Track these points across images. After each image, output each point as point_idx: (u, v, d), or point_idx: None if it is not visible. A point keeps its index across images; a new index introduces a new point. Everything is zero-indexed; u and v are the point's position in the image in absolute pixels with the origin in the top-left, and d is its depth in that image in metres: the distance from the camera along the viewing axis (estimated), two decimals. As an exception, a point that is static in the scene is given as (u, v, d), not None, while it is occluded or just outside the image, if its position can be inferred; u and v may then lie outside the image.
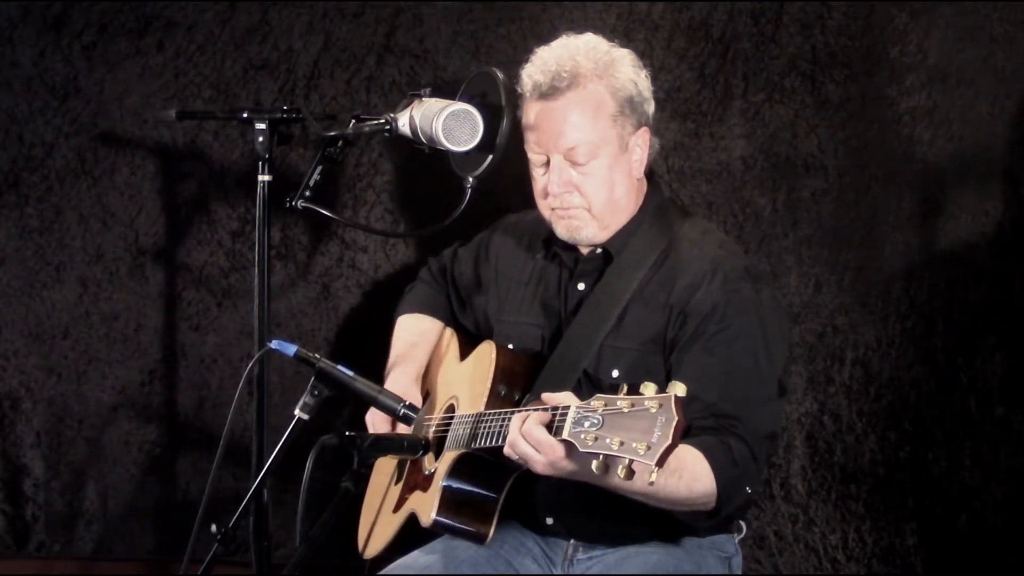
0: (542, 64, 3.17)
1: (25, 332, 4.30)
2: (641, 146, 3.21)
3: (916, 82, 3.91)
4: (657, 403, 2.60)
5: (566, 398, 2.83)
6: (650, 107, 3.23)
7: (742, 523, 3.29)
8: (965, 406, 3.88)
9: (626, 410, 2.64)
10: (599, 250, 3.25)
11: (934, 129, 3.90)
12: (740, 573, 3.28)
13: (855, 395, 3.96)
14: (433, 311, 3.57)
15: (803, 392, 3.98)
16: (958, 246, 3.89)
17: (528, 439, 2.83)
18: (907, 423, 3.93)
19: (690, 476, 2.92)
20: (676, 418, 2.58)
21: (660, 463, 2.57)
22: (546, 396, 2.87)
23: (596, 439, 2.65)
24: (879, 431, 3.95)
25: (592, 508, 3.14)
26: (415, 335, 3.53)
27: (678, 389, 2.61)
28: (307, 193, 3.28)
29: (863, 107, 3.95)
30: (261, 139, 3.40)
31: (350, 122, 3.33)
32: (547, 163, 3.18)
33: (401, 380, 3.40)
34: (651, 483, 2.60)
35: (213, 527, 2.99)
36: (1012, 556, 3.83)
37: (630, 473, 2.59)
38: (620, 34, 3.95)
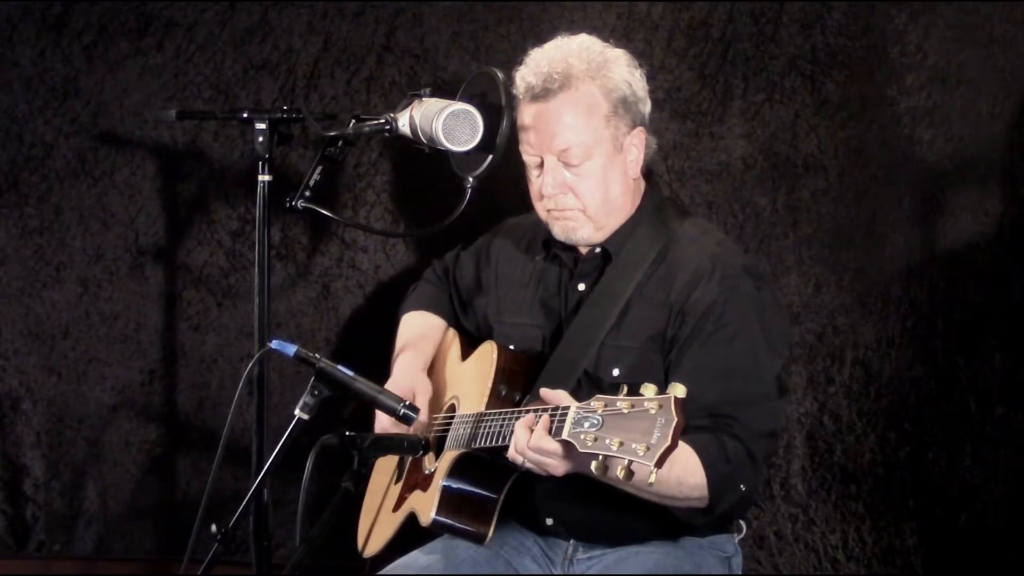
0: (535, 66, 3.18)
1: (25, 332, 4.30)
2: (636, 146, 3.21)
3: (916, 82, 3.91)
4: (657, 404, 2.61)
5: (563, 397, 2.84)
6: (646, 107, 3.22)
7: (742, 523, 3.29)
8: (965, 406, 3.88)
9: (626, 411, 2.64)
10: (598, 250, 3.25)
11: (934, 129, 3.90)
12: (740, 573, 3.28)
13: (855, 395, 3.96)
14: (438, 310, 3.57)
15: (803, 392, 3.98)
16: (958, 246, 3.89)
17: (541, 453, 2.84)
18: (907, 423, 3.93)
19: (680, 469, 2.92)
20: (676, 419, 2.58)
21: (659, 464, 2.57)
22: (544, 392, 2.88)
23: (596, 439, 2.65)
24: (879, 431, 3.95)
25: (592, 508, 3.14)
26: (423, 328, 3.53)
27: (678, 391, 2.61)
28: (307, 193, 3.28)
29: (863, 107, 3.95)
30: (261, 139, 3.40)
31: (350, 122, 3.33)
32: (541, 165, 3.18)
33: (409, 368, 3.39)
34: (651, 484, 2.60)
35: (213, 527, 2.99)
36: (1012, 556, 3.83)
37: (629, 474, 2.60)
38: (620, 34, 3.95)
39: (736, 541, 3.28)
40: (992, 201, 3.86)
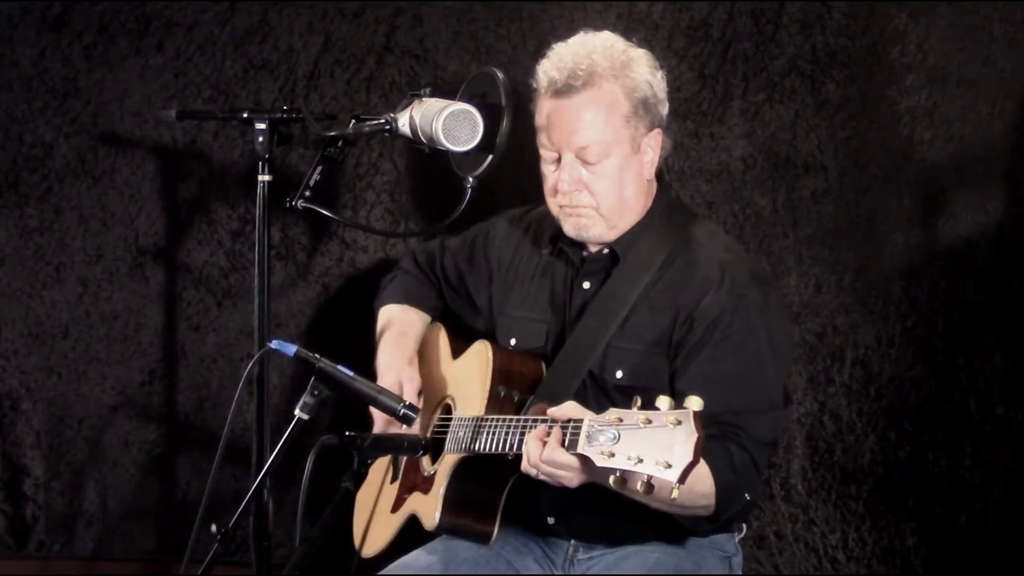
0: (558, 61, 3.16)
1: (25, 332, 4.30)
2: (653, 147, 3.20)
3: (916, 82, 3.91)
4: (675, 419, 2.58)
5: (572, 409, 2.83)
6: (664, 108, 3.21)
7: (743, 524, 3.29)
8: (965, 406, 3.88)
9: (642, 425, 2.61)
10: (606, 250, 3.24)
11: (934, 129, 3.90)
12: (740, 573, 3.28)
13: (855, 395, 3.96)
14: (419, 303, 3.54)
15: (803, 392, 3.98)
16: (958, 246, 3.88)
17: (555, 467, 2.83)
18: (907, 423, 3.93)
19: (692, 477, 2.91)
20: (697, 435, 2.56)
21: (682, 480, 2.56)
22: (552, 411, 2.86)
23: (613, 455, 2.62)
24: (879, 431, 3.95)
25: (593, 509, 3.13)
26: (402, 324, 3.49)
27: (694, 404, 2.58)
28: (307, 193, 3.28)
29: (863, 107, 3.95)
30: (261, 139, 3.40)
31: (350, 122, 3.33)
32: (558, 160, 3.17)
33: (393, 364, 3.36)
34: (674, 499, 2.59)
35: (213, 527, 2.98)
36: (1012, 556, 3.83)
37: (649, 488, 2.58)
38: (620, 34, 3.94)
39: (736, 541, 3.28)
40: (992, 201, 3.86)
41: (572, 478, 2.85)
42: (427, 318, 3.53)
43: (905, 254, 3.93)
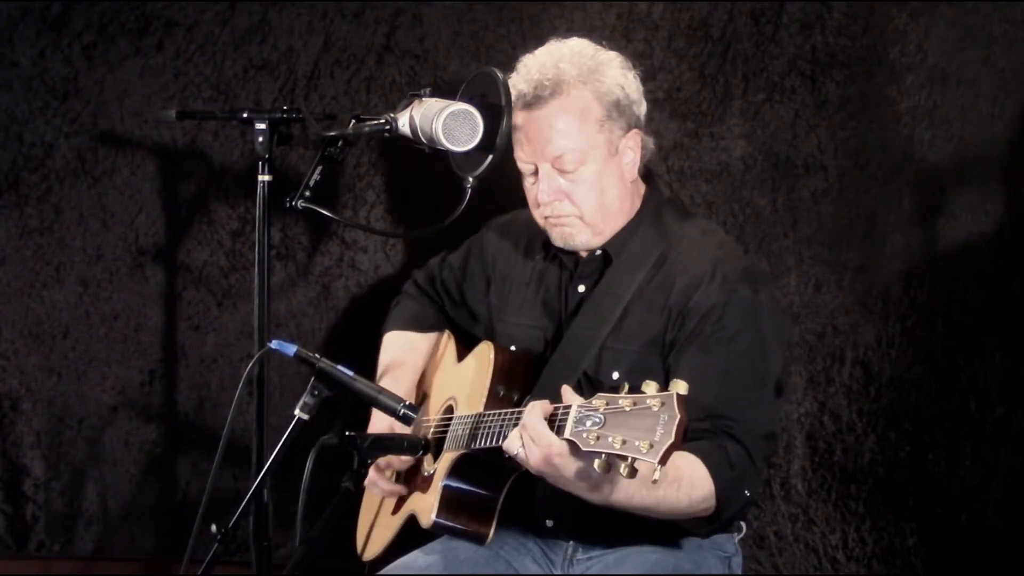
0: (525, 73, 3.16)
1: (25, 332, 4.30)
2: (632, 148, 3.20)
3: (916, 82, 3.91)
4: (659, 401, 2.60)
5: (572, 398, 2.83)
6: (641, 108, 3.20)
7: (742, 523, 3.29)
8: (965, 406, 3.88)
9: (628, 409, 2.63)
10: (599, 252, 3.24)
11: (934, 129, 3.90)
12: (740, 573, 3.28)
13: (855, 395, 3.96)
14: (420, 326, 3.56)
15: (803, 392, 3.98)
16: (958, 246, 3.89)
17: (526, 431, 2.81)
18: (907, 423, 3.93)
19: (688, 484, 2.91)
20: (679, 416, 2.57)
21: (663, 461, 2.56)
22: (566, 389, 2.84)
23: (598, 438, 2.64)
24: (879, 431, 3.95)
25: (592, 510, 3.12)
26: (402, 353, 3.51)
27: (679, 387, 2.60)
28: (307, 193, 3.27)
29: (863, 107, 3.95)
30: (261, 139, 3.39)
31: (350, 122, 3.32)
32: (536, 172, 3.18)
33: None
34: (655, 481, 2.59)
35: (213, 527, 2.99)
36: (1012, 556, 3.83)
37: (633, 472, 2.58)
38: (620, 34, 3.96)
39: (736, 541, 3.28)
40: (992, 201, 3.86)
41: (558, 465, 2.79)
42: (431, 336, 3.55)
43: (905, 254, 3.93)
